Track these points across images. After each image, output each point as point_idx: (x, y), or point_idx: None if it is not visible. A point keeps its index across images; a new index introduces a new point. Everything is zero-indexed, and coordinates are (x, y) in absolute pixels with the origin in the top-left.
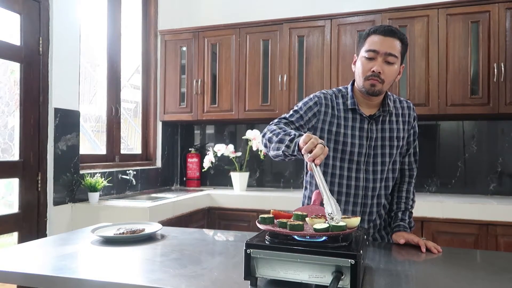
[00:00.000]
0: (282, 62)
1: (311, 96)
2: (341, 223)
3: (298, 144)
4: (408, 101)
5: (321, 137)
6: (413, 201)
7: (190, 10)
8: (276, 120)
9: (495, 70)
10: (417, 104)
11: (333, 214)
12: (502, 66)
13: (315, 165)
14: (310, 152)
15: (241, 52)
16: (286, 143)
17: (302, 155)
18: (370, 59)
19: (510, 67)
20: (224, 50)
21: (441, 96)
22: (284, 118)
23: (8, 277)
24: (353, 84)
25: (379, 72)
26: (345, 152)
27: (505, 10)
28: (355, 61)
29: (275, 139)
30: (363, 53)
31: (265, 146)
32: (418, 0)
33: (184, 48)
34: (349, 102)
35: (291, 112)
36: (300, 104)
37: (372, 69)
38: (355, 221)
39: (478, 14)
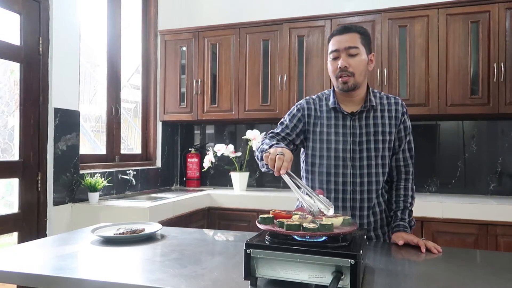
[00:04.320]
0: (282, 62)
1: (295, 105)
2: (327, 222)
3: None
4: (397, 97)
5: (307, 138)
6: (413, 198)
7: (190, 10)
8: (263, 136)
9: (495, 70)
10: (417, 104)
11: (312, 209)
12: (502, 66)
13: (282, 174)
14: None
15: (241, 52)
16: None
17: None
18: (335, 59)
19: (510, 67)
20: (224, 50)
21: (441, 96)
22: (271, 132)
23: (8, 277)
24: None
25: (345, 67)
26: (330, 150)
27: (505, 10)
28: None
29: (259, 157)
30: (328, 57)
31: (260, 165)
32: (418, 0)
33: (184, 48)
34: (330, 102)
35: (278, 125)
36: (285, 115)
37: (338, 66)
38: (337, 221)
39: (478, 14)
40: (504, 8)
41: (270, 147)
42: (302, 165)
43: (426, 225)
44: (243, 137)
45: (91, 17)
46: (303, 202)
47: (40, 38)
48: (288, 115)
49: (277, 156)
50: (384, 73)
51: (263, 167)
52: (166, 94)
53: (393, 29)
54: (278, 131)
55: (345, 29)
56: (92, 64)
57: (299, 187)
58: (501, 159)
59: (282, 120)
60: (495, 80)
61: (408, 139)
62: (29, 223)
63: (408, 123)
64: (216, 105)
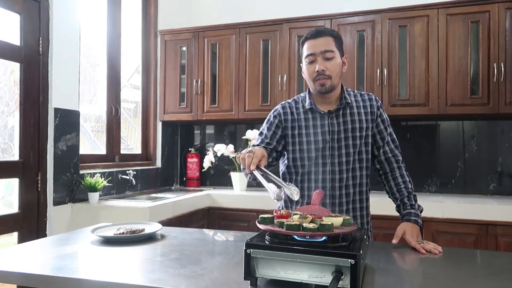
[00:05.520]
0: (282, 62)
1: (271, 112)
2: (327, 222)
3: None
4: (370, 93)
5: (287, 143)
6: (411, 183)
7: (190, 10)
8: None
9: (495, 70)
10: (417, 104)
11: (274, 195)
12: (502, 66)
13: (252, 170)
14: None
15: (241, 52)
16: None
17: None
18: (311, 62)
19: (510, 67)
20: (224, 50)
21: (441, 96)
22: (253, 145)
23: (8, 277)
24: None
25: (323, 70)
26: (310, 151)
27: (505, 10)
28: (303, 70)
29: (242, 167)
30: (304, 60)
31: (244, 174)
32: (418, 0)
33: (184, 48)
34: (306, 103)
35: (257, 136)
36: (264, 124)
37: (315, 70)
38: (337, 221)
39: (478, 14)
40: (504, 8)
41: None
42: (283, 168)
43: (426, 225)
44: (243, 137)
45: (91, 17)
46: (268, 190)
47: (40, 38)
48: (266, 123)
49: (247, 154)
50: (384, 73)
51: (246, 175)
52: (166, 94)
53: (393, 29)
54: (258, 143)
55: (319, 33)
56: (92, 64)
57: (271, 180)
58: (501, 159)
59: (261, 130)
60: (495, 80)
61: (389, 131)
62: (29, 223)
63: (385, 116)
64: (216, 105)
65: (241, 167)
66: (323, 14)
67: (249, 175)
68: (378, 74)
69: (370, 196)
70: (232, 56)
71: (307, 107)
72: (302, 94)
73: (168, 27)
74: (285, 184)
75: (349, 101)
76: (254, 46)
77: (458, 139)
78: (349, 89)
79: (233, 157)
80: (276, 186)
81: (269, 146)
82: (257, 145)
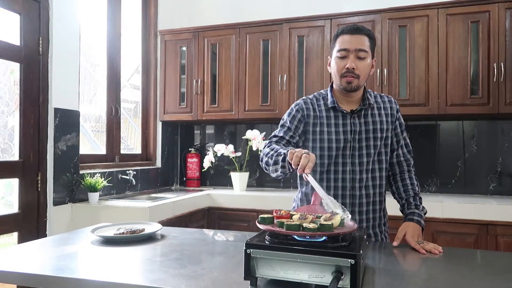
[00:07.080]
0: (282, 62)
1: (293, 105)
2: (328, 222)
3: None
4: (389, 96)
5: (307, 139)
6: (418, 187)
7: (190, 10)
8: (268, 142)
9: (495, 70)
10: (417, 104)
11: (335, 211)
12: (502, 66)
13: (307, 174)
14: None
15: (241, 52)
16: (281, 164)
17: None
18: (342, 58)
19: (510, 67)
20: (224, 50)
21: (441, 96)
22: (274, 136)
23: (8, 277)
24: (332, 86)
25: (353, 68)
26: (331, 149)
27: (505, 10)
28: (330, 63)
29: (271, 162)
30: (335, 53)
31: (265, 169)
32: (418, 0)
33: (184, 48)
34: (329, 101)
35: (279, 128)
36: (285, 117)
37: (346, 66)
38: (336, 221)
39: (478, 14)
40: (504, 8)
41: (287, 151)
42: None
43: (426, 225)
44: (243, 137)
45: (91, 17)
46: (327, 203)
47: (40, 38)
48: (288, 116)
49: (304, 154)
50: (384, 73)
51: (277, 171)
52: (166, 94)
53: (393, 29)
54: (281, 134)
55: (356, 30)
56: (92, 64)
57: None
58: (501, 159)
59: (282, 122)
60: (495, 80)
61: (404, 135)
62: (29, 223)
63: (402, 120)
64: (216, 105)
65: (277, 166)
66: (323, 14)
67: (277, 173)
68: (378, 74)
69: None
70: (232, 56)
71: (330, 105)
72: (323, 91)
73: (168, 27)
74: (334, 202)
75: (371, 102)
76: (254, 46)
77: (458, 139)
78: (369, 90)
79: (233, 157)
80: (330, 200)
81: (292, 139)
82: (281, 136)
